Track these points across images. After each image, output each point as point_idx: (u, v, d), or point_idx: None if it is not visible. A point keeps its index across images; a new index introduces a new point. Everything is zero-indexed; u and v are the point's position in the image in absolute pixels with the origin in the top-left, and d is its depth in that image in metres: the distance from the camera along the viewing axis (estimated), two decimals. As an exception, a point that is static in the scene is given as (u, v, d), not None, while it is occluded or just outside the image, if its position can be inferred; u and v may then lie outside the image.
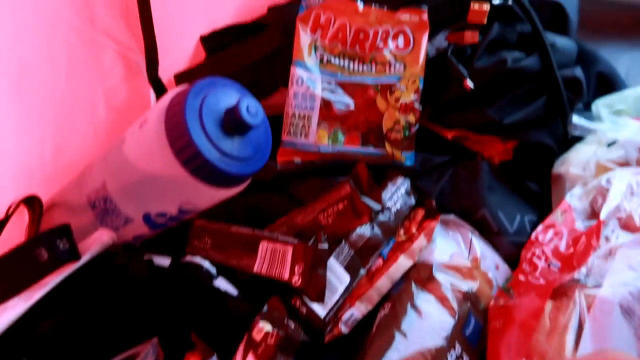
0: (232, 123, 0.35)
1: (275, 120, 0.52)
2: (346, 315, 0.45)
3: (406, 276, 0.47)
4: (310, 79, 0.49)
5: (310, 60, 0.50)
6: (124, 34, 0.49)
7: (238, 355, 0.37)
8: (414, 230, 0.49)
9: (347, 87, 0.50)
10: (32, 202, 0.48)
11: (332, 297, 0.44)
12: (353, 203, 0.44)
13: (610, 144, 0.56)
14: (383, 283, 0.47)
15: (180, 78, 0.56)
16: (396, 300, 0.46)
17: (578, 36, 0.64)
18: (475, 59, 0.54)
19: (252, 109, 0.35)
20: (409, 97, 0.51)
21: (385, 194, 0.49)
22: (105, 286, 0.41)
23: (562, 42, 0.57)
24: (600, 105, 0.61)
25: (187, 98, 0.34)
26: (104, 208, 0.42)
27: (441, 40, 0.56)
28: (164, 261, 0.43)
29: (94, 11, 0.46)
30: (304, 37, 0.50)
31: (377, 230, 0.47)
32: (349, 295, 0.46)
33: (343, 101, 0.50)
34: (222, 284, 0.42)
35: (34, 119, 0.49)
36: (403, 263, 0.47)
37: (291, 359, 0.36)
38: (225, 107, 0.36)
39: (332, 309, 0.44)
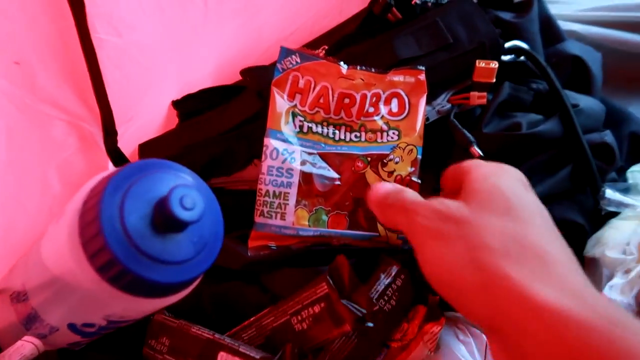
0: (162, 219, 0.27)
1: (251, 195, 0.44)
2: None
3: (404, 397, 0.38)
4: (288, 151, 0.42)
5: (288, 128, 0.42)
6: (73, 102, 0.43)
7: None
8: (412, 334, 0.39)
9: (331, 159, 0.43)
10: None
11: None
12: (331, 307, 0.36)
13: None
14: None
15: (144, 148, 0.49)
16: None
17: (603, 93, 0.56)
18: (484, 124, 0.46)
19: (187, 201, 0.27)
20: (405, 169, 0.43)
21: (376, 289, 0.40)
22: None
23: (587, 102, 0.49)
24: (638, 172, 0.52)
25: (105, 188, 0.27)
26: (26, 314, 0.35)
27: (444, 102, 0.48)
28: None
29: (33, 78, 0.40)
30: (280, 103, 0.43)
31: (365, 335, 0.38)
32: None
33: (327, 175, 0.42)
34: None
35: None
36: (399, 379, 0.38)
37: None
38: (156, 198, 0.28)
39: None
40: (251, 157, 0.46)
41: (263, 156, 0.42)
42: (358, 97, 0.43)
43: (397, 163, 0.43)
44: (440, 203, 0.27)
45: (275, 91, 0.42)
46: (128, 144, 0.50)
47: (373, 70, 0.43)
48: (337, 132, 0.43)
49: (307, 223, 0.41)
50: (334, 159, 0.43)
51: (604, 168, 0.47)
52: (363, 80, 0.43)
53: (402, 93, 0.43)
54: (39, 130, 0.43)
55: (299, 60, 0.43)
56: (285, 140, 0.42)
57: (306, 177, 0.42)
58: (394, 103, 0.43)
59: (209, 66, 0.55)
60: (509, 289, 0.22)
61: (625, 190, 0.49)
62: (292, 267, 0.42)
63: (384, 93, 0.43)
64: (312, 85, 0.43)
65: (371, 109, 0.43)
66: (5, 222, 0.46)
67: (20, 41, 0.38)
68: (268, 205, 0.41)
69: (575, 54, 0.54)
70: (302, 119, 0.43)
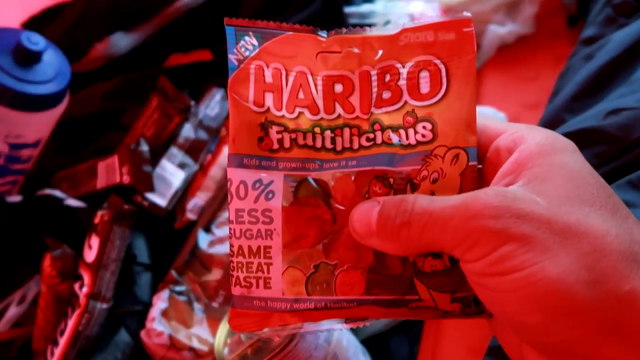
0: (22, 54, 0.43)
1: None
2: (190, 205, 0.55)
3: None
4: (262, 182, 0.28)
5: (259, 148, 0.28)
6: None
7: (86, 241, 0.45)
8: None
9: (332, 184, 0.28)
10: None
11: (169, 189, 0.53)
12: (164, 109, 0.53)
13: (386, 23, 0.69)
14: (215, 172, 0.56)
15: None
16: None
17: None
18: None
19: (33, 39, 0.43)
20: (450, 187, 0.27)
21: (203, 104, 0.58)
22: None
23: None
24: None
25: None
26: None
27: None
28: (15, 198, 0.50)
29: None
30: (245, 112, 0.27)
31: (200, 133, 0.57)
32: (190, 189, 0.55)
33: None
34: (71, 202, 0.50)
35: None
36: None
37: (127, 227, 0.45)
38: (14, 43, 0.43)
39: (172, 200, 0.53)
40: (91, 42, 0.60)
41: (229, 197, 0.28)
42: (356, 80, 0.28)
43: (435, 182, 0.26)
44: (503, 195, 0.20)
45: (235, 97, 0.27)
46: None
47: (368, 30, 0.28)
48: (337, 138, 0.28)
49: (303, 289, 0.27)
50: (335, 183, 0.27)
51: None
52: (358, 50, 0.27)
53: (437, 61, 0.27)
54: None
55: (256, 43, 0.28)
56: (257, 167, 0.28)
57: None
58: (424, 80, 0.27)
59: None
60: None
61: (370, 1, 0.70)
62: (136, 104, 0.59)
63: (403, 66, 0.27)
64: (284, 76, 0.28)
65: (386, 94, 0.27)
66: None
67: None
68: (244, 269, 0.28)
69: None
70: (280, 128, 0.28)
